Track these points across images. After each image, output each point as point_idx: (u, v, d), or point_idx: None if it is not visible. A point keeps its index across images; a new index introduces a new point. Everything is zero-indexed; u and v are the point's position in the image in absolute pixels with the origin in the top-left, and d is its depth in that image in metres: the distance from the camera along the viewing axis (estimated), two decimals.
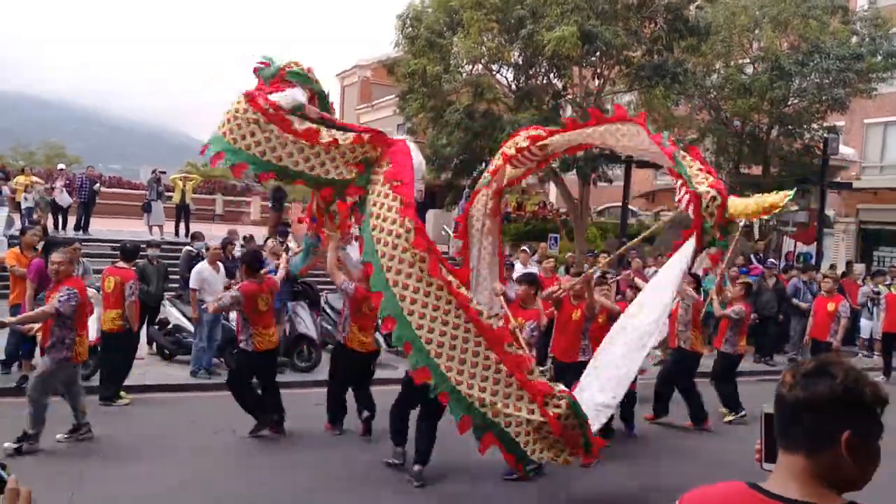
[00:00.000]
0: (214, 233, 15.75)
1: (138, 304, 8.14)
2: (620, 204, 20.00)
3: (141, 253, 9.20)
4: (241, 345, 7.29)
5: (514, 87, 19.05)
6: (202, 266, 9.68)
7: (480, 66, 18.66)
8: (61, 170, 18.67)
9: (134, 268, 8.57)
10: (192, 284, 9.52)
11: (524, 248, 14.42)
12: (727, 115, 20.26)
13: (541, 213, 25.57)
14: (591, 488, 6.47)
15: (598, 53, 17.11)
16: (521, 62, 18.40)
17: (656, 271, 12.97)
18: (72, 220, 17.70)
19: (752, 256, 16.50)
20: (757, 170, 21.16)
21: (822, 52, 17.70)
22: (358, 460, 6.78)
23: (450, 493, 6.12)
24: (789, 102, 19.13)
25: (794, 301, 13.53)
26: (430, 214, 24.17)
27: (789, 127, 19.57)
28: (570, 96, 19.08)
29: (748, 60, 19.89)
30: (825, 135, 19.16)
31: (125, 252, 8.41)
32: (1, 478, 1.41)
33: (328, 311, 11.41)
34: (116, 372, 8.26)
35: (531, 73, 18.59)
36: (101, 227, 18.57)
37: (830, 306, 10.93)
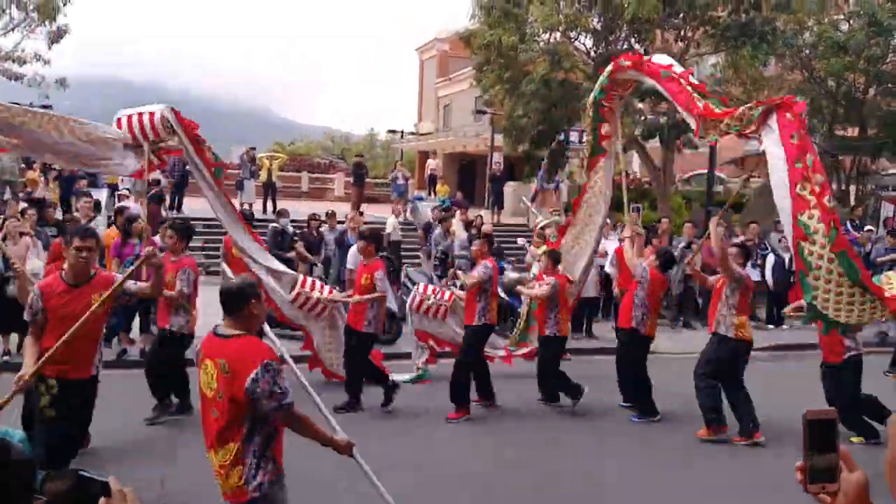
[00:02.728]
0: (300, 209, 16.23)
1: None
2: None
3: None
4: (547, 331, 8.10)
5: (592, 53, 18.68)
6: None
7: (557, 33, 18.32)
8: None
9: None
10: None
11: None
12: (820, 75, 19.26)
13: (619, 181, 24.92)
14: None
15: (680, 15, 16.60)
16: (599, 28, 18.02)
17: (744, 240, 12.61)
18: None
19: (847, 223, 15.75)
20: (853, 131, 20.09)
21: None
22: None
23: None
24: (888, 60, 18.02)
25: None
26: (509, 186, 24.11)
27: (888, 85, 18.46)
28: None
29: (843, 16, 18.80)
30: None
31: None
32: (103, 482, 1.45)
33: (408, 284, 11.63)
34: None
35: (611, 38, 18.17)
36: (194, 206, 19.25)
37: None
